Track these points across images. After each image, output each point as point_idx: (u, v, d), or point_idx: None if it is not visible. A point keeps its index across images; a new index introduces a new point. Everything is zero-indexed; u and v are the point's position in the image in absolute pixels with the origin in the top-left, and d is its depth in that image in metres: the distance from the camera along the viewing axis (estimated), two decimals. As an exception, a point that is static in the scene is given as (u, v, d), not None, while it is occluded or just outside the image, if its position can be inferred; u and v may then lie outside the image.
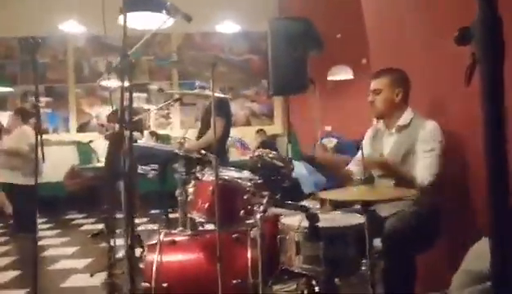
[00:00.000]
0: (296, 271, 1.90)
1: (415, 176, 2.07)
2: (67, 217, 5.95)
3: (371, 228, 1.82)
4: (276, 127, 7.54)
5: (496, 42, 0.82)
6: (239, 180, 2.13)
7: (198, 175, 2.21)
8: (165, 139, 6.43)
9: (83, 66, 7.48)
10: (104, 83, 6.21)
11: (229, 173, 2.27)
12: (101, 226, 4.59)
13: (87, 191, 5.74)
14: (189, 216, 2.24)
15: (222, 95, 3.37)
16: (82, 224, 5.45)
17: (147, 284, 1.96)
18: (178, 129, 7.23)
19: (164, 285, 1.96)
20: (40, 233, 4.96)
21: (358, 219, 1.92)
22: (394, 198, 2.00)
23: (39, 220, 5.74)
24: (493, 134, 0.81)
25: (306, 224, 1.80)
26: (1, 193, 5.04)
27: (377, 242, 2.04)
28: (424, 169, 2.06)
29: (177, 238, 2.18)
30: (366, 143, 2.44)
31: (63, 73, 7.44)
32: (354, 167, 2.37)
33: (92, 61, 7.46)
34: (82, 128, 7.37)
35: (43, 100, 7.40)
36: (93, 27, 5.82)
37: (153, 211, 5.12)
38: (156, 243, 2.15)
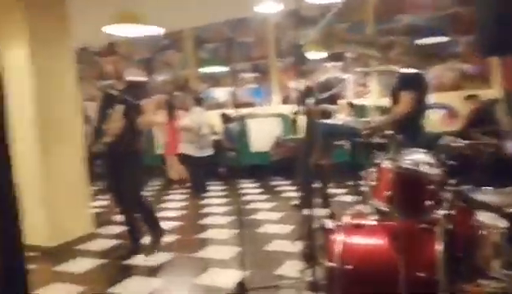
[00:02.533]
0: (493, 276, 1.71)
1: None
2: (272, 183, 6.63)
3: None
4: (493, 92, 6.32)
5: None
6: (423, 168, 1.99)
7: (378, 160, 2.16)
8: (361, 109, 6.36)
9: (282, 41, 7.98)
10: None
11: (415, 157, 2.14)
12: (301, 194, 5.02)
13: (290, 160, 6.22)
14: (370, 202, 2.24)
15: (413, 71, 3.13)
16: (285, 191, 5.97)
17: (332, 264, 2.07)
18: (376, 98, 7.03)
19: (349, 267, 2.03)
20: (252, 197, 5.72)
21: None
22: None
23: (250, 185, 6.59)
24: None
25: (505, 224, 1.59)
26: (181, 166, 6.47)
27: None
28: None
29: (364, 222, 2.21)
30: None
31: (265, 50, 8.12)
32: None
33: (290, 36, 7.86)
34: (284, 101, 7.96)
35: (250, 75, 8.30)
36: (289, 2, 6.11)
37: (349, 183, 5.22)
38: (342, 225, 2.24)
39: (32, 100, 3.82)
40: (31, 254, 3.77)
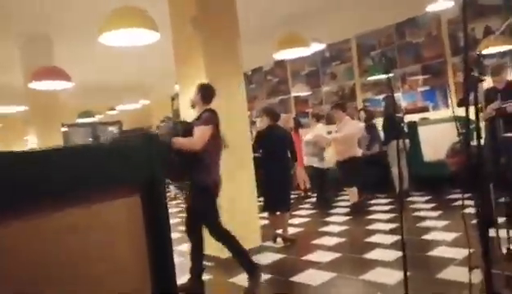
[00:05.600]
0: None
1: None
2: (449, 197, 5.93)
3: None
4: None
5: None
6: None
7: None
8: None
9: (457, 38, 7.14)
10: (485, 51, 5.70)
11: None
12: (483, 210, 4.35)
13: (470, 170, 5.48)
14: None
15: None
16: (465, 207, 5.27)
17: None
18: None
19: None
20: (424, 213, 5.22)
21: None
22: None
23: (422, 199, 6.04)
24: None
25: None
26: (301, 170, 7.17)
27: None
28: None
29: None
30: None
31: (438, 49, 7.39)
32: None
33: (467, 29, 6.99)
34: (461, 102, 7.07)
35: (420, 78, 7.65)
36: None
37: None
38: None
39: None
40: (209, 264, 4.21)
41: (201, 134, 3.22)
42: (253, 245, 4.48)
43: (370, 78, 8.22)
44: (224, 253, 4.19)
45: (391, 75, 7.69)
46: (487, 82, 4.89)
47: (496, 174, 4.41)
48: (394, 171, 6.23)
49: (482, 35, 6.55)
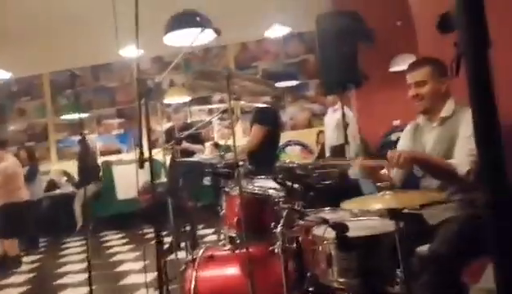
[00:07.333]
0: (329, 285, 1.80)
1: (454, 164, 1.87)
2: (140, 231, 6.31)
3: (413, 234, 1.71)
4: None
5: (480, 31, 0.74)
6: (269, 192, 2.07)
7: (226, 189, 2.19)
8: (226, 149, 6.54)
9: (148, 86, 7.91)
10: (167, 101, 6.51)
11: (262, 184, 2.22)
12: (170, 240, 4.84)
13: (160, 206, 6.00)
14: (222, 231, 2.24)
15: (265, 106, 3.34)
16: (153, 238, 5.69)
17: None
18: (241, 138, 7.31)
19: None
20: (117, 249, 5.34)
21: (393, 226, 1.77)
22: (425, 204, 1.84)
23: (118, 236, 6.16)
24: (484, 124, 0.74)
25: (333, 234, 1.69)
26: None
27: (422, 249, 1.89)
28: (464, 155, 1.86)
29: (215, 253, 2.18)
30: (404, 140, 2.24)
31: (131, 95, 7.94)
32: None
33: (156, 80, 7.84)
34: (153, 145, 7.77)
35: (115, 121, 7.98)
36: (149, 49, 6.14)
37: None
38: (195, 259, 2.18)
39: None
40: None
41: None
42: None
43: (64, 118, 7.93)
44: None
45: (85, 116, 7.70)
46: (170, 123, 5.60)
47: (177, 205, 4.99)
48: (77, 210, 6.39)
49: (168, 86, 7.53)
